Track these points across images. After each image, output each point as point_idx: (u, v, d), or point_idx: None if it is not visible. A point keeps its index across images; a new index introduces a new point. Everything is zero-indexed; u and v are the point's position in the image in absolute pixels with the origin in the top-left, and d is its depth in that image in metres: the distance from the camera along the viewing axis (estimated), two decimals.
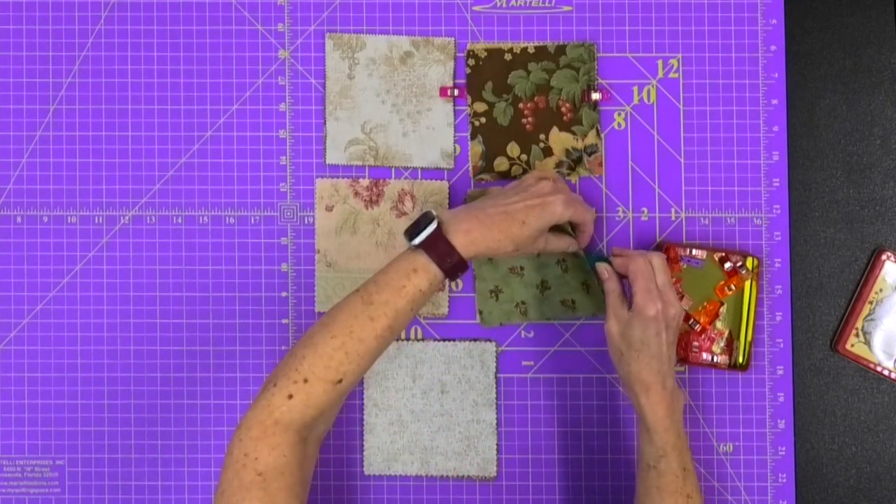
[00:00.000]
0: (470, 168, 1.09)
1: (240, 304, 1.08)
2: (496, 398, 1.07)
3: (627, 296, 0.98)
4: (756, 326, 1.07)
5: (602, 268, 1.01)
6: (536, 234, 0.96)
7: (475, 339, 1.07)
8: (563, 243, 1.01)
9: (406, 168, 1.09)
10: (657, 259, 0.98)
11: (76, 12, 1.09)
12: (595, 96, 1.08)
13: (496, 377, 1.07)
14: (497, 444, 1.07)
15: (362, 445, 1.07)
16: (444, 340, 1.07)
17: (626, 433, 1.07)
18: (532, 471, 1.07)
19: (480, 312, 1.08)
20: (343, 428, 1.07)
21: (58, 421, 1.07)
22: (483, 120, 1.08)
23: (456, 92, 1.08)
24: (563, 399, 1.08)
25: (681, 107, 1.09)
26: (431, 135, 1.08)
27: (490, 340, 1.07)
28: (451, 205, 1.08)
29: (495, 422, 1.07)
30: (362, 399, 1.07)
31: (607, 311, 0.99)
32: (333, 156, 1.08)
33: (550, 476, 1.07)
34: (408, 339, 1.08)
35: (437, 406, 1.07)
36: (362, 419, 1.07)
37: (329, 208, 1.08)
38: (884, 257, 1.07)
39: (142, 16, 1.09)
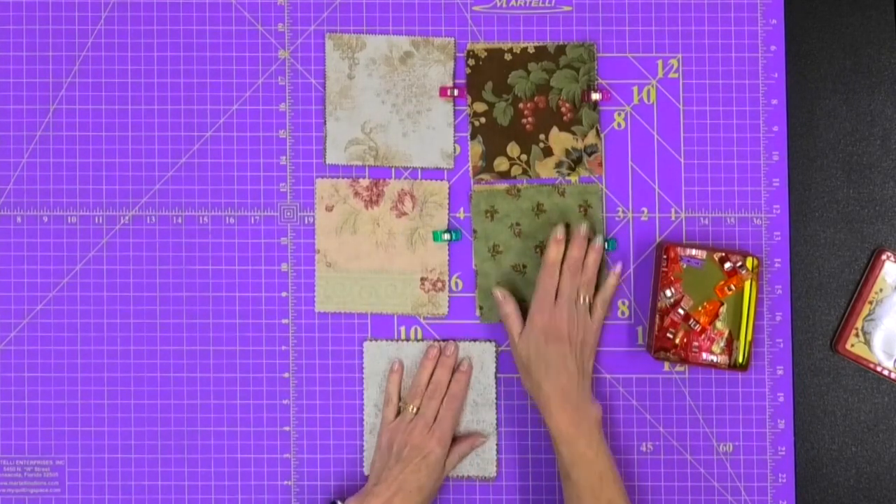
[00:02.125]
0: (470, 168, 1.09)
1: (240, 304, 1.08)
2: (496, 398, 1.07)
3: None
4: (756, 326, 1.07)
5: (497, 292, 1.04)
6: (438, 477, 1.01)
7: (475, 340, 1.07)
8: (466, 448, 1.04)
9: (406, 168, 1.09)
10: (612, 276, 1.03)
11: (76, 12, 1.09)
12: (595, 96, 1.08)
13: (496, 377, 1.07)
14: (497, 445, 1.07)
15: (362, 445, 1.07)
16: (444, 341, 1.07)
17: (625, 433, 1.07)
18: (532, 471, 1.07)
19: (480, 308, 1.08)
20: (343, 428, 1.07)
21: (58, 421, 1.07)
22: (483, 120, 1.08)
23: (456, 92, 1.08)
24: None
25: (681, 107, 1.09)
26: (431, 135, 1.08)
27: (490, 341, 1.07)
28: (452, 205, 1.08)
29: (495, 422, 1.07)
30: (362, 399, 1.07)
31: (508, 332, 1.03)
32: (333, 156, 1.08)
33: (550, 476, 1.07)
34: (408, 339, 1.08)
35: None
36: (362, 419, 1.07)
37: (329, 208, 1.08)
38: (884, 257, 1.07)
39: (142, 16, 1.09)
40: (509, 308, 1.03)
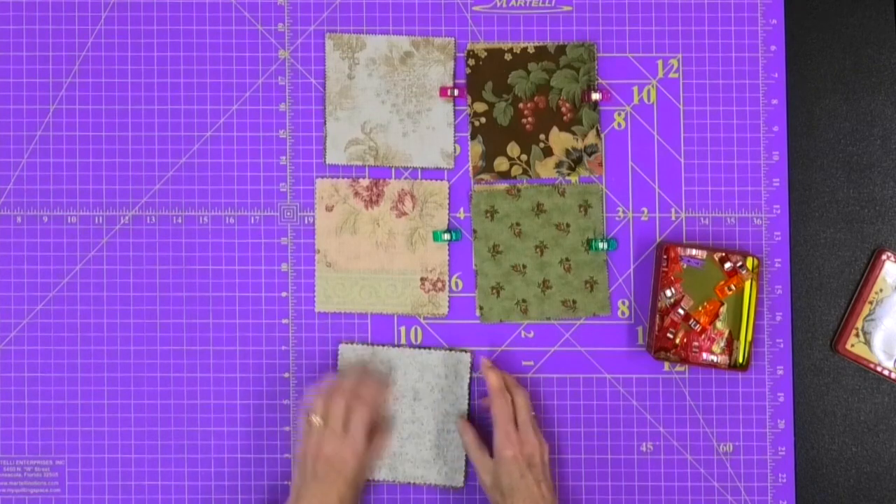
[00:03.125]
0: (470, 168, 1.09)
1: (240, 304, 1.08)
2: (469, 409, 1.06)
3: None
4: (756, 326, 1.07)
5: (459, 422, 1.03)
6: (359, 483, 0.97)
7: (450, 349, 1.07)
8: (381, 440, 1.02)
9: (406, 168, 1.09)
10: (520, 396, 1.01)
11: (76, 12, 1.09)
12: (595, 96, 1.08)
13: (469, 388, 1.07)
14: (465, 455, 1.06)
15: None
16: (419, 348, 1.07)
17: (625, 433, 1.07)
18: None
19: (481, 308, 1.08)
20: None
21: (58, 421, 1.07)
22: (483, 120, 1.08)
23: (456, 92, 1.08)
24: (563, 399, 1.08)
25: (681, 107, 1.09)
26: (431, 135, 1.08)
27: (465, 350, 1.07)
28: (452, 205, 1.08)
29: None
30: None
31: (474, 465, 1.01)
32: (333, 156, 1.08)
33: (550, 476, 1.07)
34: (409, 343, 1.08)
35: (409, 413, 1.06)
36: None
37: (329, 208, 1.08)
38: (884, 257, 1.07)
39: (142, 16, 1.09)
40: (470, 437, 1.01)
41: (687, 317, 1.05)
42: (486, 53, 1.09)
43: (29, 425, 1.07)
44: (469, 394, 1.07)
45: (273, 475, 1.07)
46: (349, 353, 1.06)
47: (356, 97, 1.08)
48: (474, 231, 1.08)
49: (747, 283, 1.05)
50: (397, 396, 1.06)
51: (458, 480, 1.06)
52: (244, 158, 1.09)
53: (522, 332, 1.08)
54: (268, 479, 1.07)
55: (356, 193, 1.08)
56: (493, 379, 1.01)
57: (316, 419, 0.98)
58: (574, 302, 1.07)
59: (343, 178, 1.08)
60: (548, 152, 1.08)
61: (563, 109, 1.08)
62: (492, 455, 1.00)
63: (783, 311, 1.08)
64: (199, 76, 1.09)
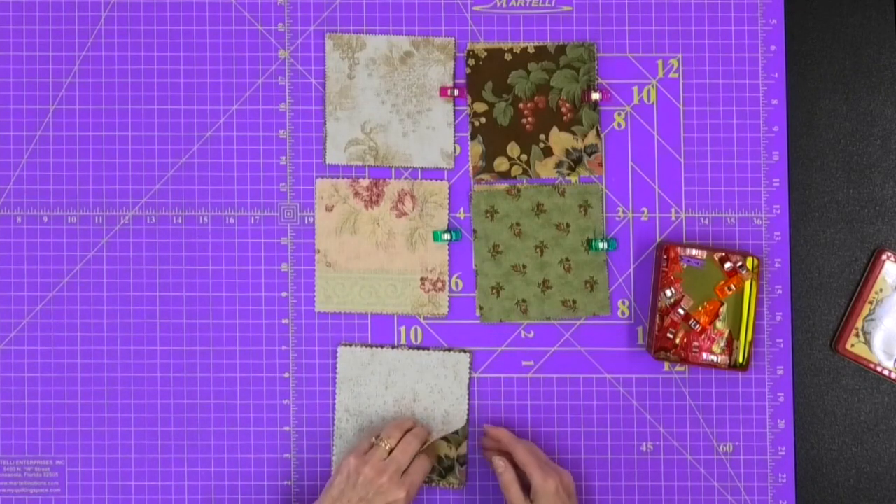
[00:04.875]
0: (470, 168, 1.09)
1: (240, 304, 1.08)
2: (468, 410, 1.06)
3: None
4: (756, 326, 1.07)
5: (497, 461, 1.00)
6: None
7: (449, 350, 1.07)
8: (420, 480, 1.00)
9: (406, 168, 1.09)
10: (528, 443, 1.01)
11: (76, 12, 1.09)
12: (595, 96, 1.08)
13: (468, 388, 1.07)
14: (467, 455, 1.06)
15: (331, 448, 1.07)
16: (418, 349, 1.07)
17: (625, 433, 1.07)
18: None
19: (481, 308, 1.08)
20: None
21: (58, 421, 1.07)
22: (483, 120, 1.08)
23: (456, 92, 1.08)
24: (563, 399, 1.08)
25: (681, 107, 1.09)
26: (431, 135, 1.08)
27: (465, 351, 1.07)
28: (452, 205, 1.08)
29: (466, 432, 1.06)
30: (334, 400, 1.07)
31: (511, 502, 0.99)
32: (333, 156, 1.08)
33: None
34: (409, 343, 1.08)
35: (409, 414, 1.06)
36: (333, 421, 1.07)
37: (329, 208, 1.08)
38: (884, 257, 1.07)
39: (142, 16, 1.09)
40: (510, 476, 0.99)
41: (687, 317, 1.05)
42: (486, 53, 1.09)
43: (29, 425, 1.07)
44: (468, 394, 1.07)
45: (273, 475, 1.07)
46: (347, 355, 1.06)
47: (356, 97, 1.08)
48: (474, 231, 1.08)
49: (747, 283, 1.05)
50: (398, 397, 1.06)
51: (460, 481, 1.06)
52: (244, 158, 1.09)
53: (522, 332, 1.08)
54: (268, 479, 1.07)
55: (356, 193, 1.08)
56: (503, 434, 1.02)
57: (385, 444, 0.99)
58: (574, 302, 1.07)
59: (343, 178, 1.08)
60: (548, 152, 1.08)
61: (563, 109, 1.08)
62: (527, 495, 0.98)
63: (783, 311, 1.08)
64: (199, 76, 1.09)
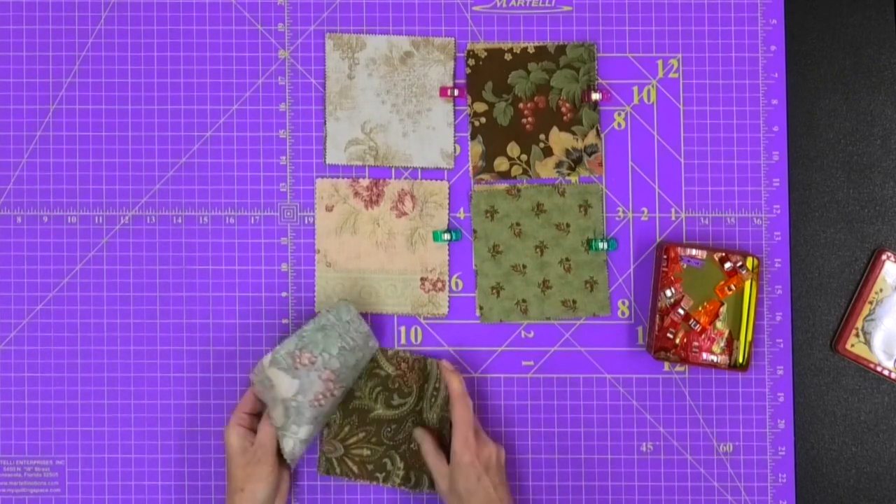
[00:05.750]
0: (470, 168, 1.09)
1: (240, 304, 1.08)
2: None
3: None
4: (756, 326, 1.07)
5: (417, 430, 1.03)
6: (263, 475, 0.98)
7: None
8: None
9: (406, 168, 1.09)
10: (466, 406, 0.99)
11: (76, 12, 1.09)
12: (595, 96, 1.08)
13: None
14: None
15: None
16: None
17: (625, 433, 1.07)
18: (532, 471, 1.07)
19: (481, 308, 1.08)
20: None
21: (58, 421, 1.07)
22: (483, 120, 1.08)
23: (456, 92, 1.08)
24: (563, 399, 1.08)
25: (681, 107, 1.09)
26: (431, 135, 1.08)
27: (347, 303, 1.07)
28: (452, 205, 1.08)
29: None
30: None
31: (431, 471, 1.00)
32: (333, 156, 1.08)
33: (551, 476, 1.07)
34: (409, 343, 1.08)
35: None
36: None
37: (329, 208, 1.08)
38: (884, 257, 1.07)
39: (142, 16, 1.09)
40: (429, 445, 1.01)
41: (687, 317, 1.05)
42: (486, 53, 1.09)
43: (29, 425, 1.07)
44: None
45: None
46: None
47: (356, 97, 1.08)
48: (474, 231, 1.08)
49: (747, 283, 1.05)
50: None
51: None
52: (244, 158, 1.09)
53: (522, 332, 1.08)
54: None
55: (356, 193, 1.08)
56: (455, 383, 1.00)
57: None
58: (574, 302, 1.07)
59: (343, 178, 1.08)
60: (548, 152, 1.08)
61: (563, 109, 1.08)
62: (448, 461, 0.99)
63: (783, 311, 1.08)
64: (199, 76, 1.09)
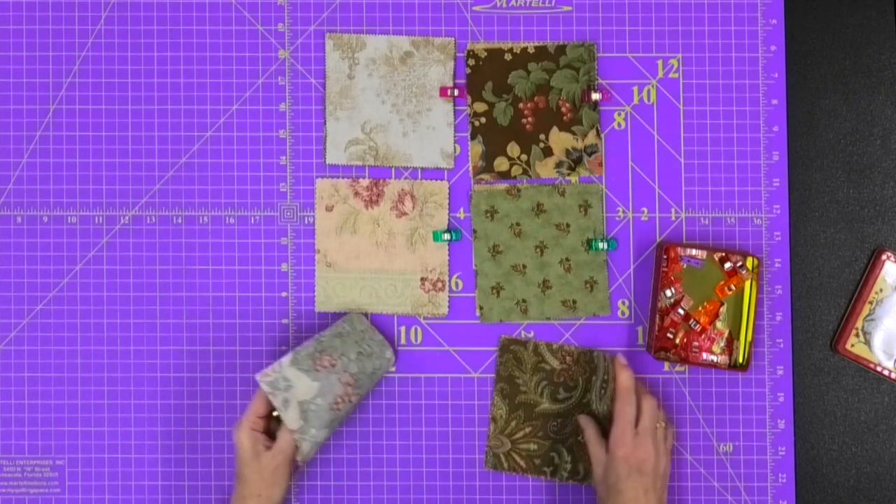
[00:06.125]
0: (470, 168, 1.09)
1: (240, 304, 1.08)
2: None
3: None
4: (756, 326, 1.07)
5: (580, 419, 1.02)
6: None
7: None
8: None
9: (406, 168, 1.09)
10: (648, 403, 0.99)
11: (76, 12, 1.09)
12: (595, 96, 1.08)
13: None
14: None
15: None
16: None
17: None
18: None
19: (481, 308, 1.08)
20: (343, 427, 1.07)
21: (58, 421, 1.07)
22: (483, 120, 1.08)
23: (456, 92, 1.08)
24: None
25: (681, 107, 1.09)
26: (431, 135, 1.08)
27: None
28: (452, 205, 1.08)
29: None
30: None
31: (591, 456, 1.00)
32: (333, 156, 1.08)
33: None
34: (409, 343, 1.08)
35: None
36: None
37: (329, 208, 1.08)
38: (884, 257, 1.07)
39: (142, 16, 1.09)
40: (592, 431, 1.01)
41: (687, 317, 1.05)
42: (486, 53, 1.09)
43: (29, 425, 1.07)
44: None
45: None
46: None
47: (356, 97, 1.08)
48: (474, 231, 1.08)
49: (747, 283, 1.05)
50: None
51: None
52: (244, 158, 1.09)
53: (522, 333, 1.08)
54: None
55: (356, 193, 1.08)
56: (623, 378, 0.99)
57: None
58: (574, 302, 1.07)
59: (343, 178, 1.08)
60: (548, 152, 1.08)
61: (563, 109, 1.08)
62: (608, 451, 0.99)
63: (783, 311, 1.08)
64: (199, 76, 1.09)
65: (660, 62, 1.09)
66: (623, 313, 1.08)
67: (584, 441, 1.02)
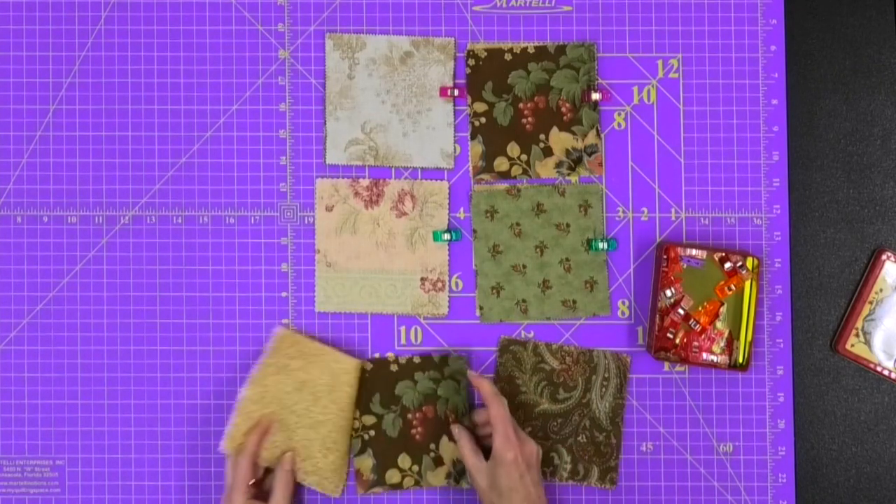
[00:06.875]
0: (470, 168, 1.09)
1: (240, 304, 1.08)
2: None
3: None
4: (756, 326, 1.07)
5: (454, 427, 1.03)
6: None
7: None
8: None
9: (406, 168, 1.09)
10: (502, 405, 0.99)
11: (76, 12, 1.09)
12: (595, 96, 1.08)
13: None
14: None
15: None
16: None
17: (625, 433, 1.07)
18: None
19: (481, 308, 1.08)
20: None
21: (58, 421, 1.07)
22: (483, 120, 1.08)
23: (456, 92, 1.08)
24: None
25: (681, 107, 1.09)
26: (431, 135, 1.08)
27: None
28: (452, 205, 1.08)
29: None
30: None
31: (468, 468, 1.00)
32: (333, 156, 1.08)
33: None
34: (409, 343, 1.08)
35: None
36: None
37: (329, 208, 1.08)
38: (884, 257, 1.07)
39: (142, 16, 1.09)
40: (465, 441, 1.01)
41: (687, 317, 1.05)
42: (486, 53, 1.09)
43: (29, 425, 1.07)
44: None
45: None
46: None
47: (356, 97, 1.08)
48: (474, 231, 1.08)
49: (747, 283, 1.05)
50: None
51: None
52: (244, 158, 1.09)
53: (522, 333, 1.08)
54: None
55: (356, 193, 1.08)
56: (486, 386, 1.00)
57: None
58: (574, 302, 1.07)
59: (343, 178, 1.08)
60: (548, 152, 1.08)
61: (563, 109, 1.08)
62: (486, 458, 0.99)
63: (783, 311, 1.08)
64: (199, 76, 1.09)
65: (660, 62, 1.09)
66: (623, 313, 1.08)
67: (459, 451, 1.01)
